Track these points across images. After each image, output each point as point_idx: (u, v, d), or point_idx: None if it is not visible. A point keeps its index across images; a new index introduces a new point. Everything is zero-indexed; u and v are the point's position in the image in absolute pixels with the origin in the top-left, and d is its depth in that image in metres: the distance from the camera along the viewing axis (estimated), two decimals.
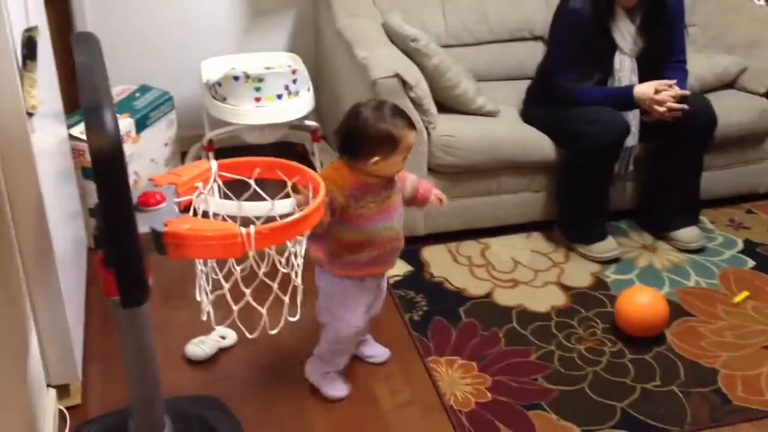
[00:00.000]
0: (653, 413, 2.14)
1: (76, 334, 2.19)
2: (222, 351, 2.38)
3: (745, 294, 2.61)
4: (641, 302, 2.37)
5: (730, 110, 2.93)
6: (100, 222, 1.51)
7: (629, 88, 2.70)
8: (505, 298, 2.61)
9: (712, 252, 2.86)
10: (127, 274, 1.51)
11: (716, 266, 2.78)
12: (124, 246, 1.47)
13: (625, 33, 2.72)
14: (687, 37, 2.87)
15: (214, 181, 1.87)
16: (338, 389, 2.21)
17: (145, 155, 3.02)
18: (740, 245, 2.90)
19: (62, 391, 2.13)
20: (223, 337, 2.41)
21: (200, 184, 1.84)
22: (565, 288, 2.66)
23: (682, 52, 2.82)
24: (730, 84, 3.11)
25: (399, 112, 1.95)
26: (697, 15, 3.29)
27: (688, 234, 2.86)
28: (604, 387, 2.23)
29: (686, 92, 2.67)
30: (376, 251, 2.02)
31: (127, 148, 2.91)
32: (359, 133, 1.92)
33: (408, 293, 2.63)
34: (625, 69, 2.74)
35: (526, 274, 2.74)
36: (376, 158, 1.92)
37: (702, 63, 3.02)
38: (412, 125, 1.95)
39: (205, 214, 1.88)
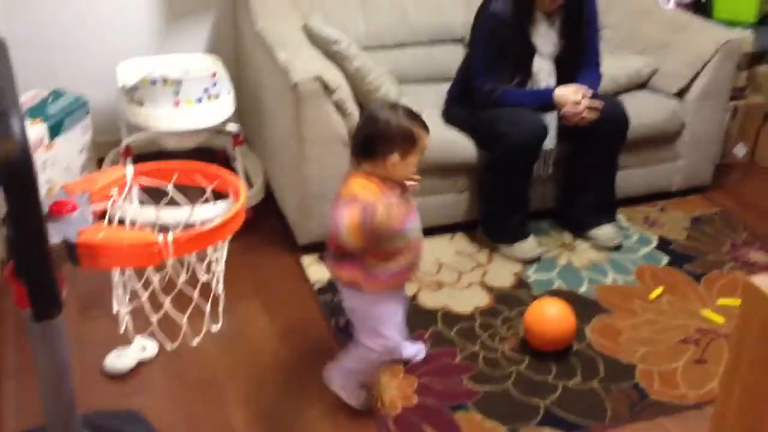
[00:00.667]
0: (575, 410, 2.18)
1: None
2: (143, 363, 2.32)
3: (660, 289, 2.69)
4: (550, 320, 2.36)
5: (643, 111, 3.01)
6: (10, 232, 1.45)
7: (549, 91, 2.75)
8: (430, 299, 2.62)
9: (629, 249, 2.93)
10: (38, 286, 1.45)
11: (633, 263, 2.85)
12: (34, 257, 1.41)
13: (544, 36, 2.76)
14: (600, 40, 2.94)
15: (131, 187, 1.83)
16: (363, 400, 2.17)
17: (60, 162, 2.93)
18: (655, 242, 2.98)
19: None
20: (143, 348, 2.34)
21: (116, 191, 1.79)
22: (489, 288, 2.69)
23: (596, 54, 2.88)
24: (642, 85, 3.19)
25: (414, 114, 1.96)
26: (611, 17, 3.37)
27: (605, 232, 2.93)
28: (528, 385, 2.27)
29: (598, 104, 2.73)
30: (411, 254, 2.01)
31: (40, 156, 2.81)
32: (380, 133, 1.91)
33: (334, 298, 2.60)
34: (543, 71, 2.79)
35: (450, 275, 2.76)
36: (396, 157, 1.91)
37: (615, 64, 3.09)
38: (426, 127, 1.96)
39: (123, 222, 1.83)
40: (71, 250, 1.54)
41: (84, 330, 2.43)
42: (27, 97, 2.97)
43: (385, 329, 2.04)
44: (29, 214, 1.37)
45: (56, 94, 3.00)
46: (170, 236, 1.55)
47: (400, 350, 2.23)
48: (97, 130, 3.18)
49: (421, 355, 2.36)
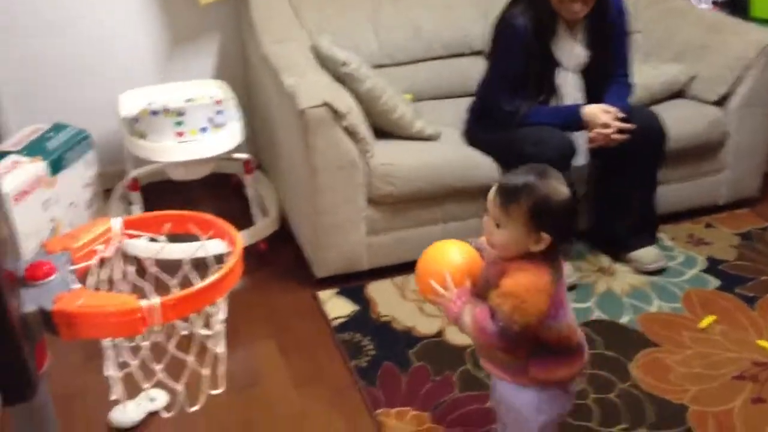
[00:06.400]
0: None
1: None
2: (152, 415, 2.16)
3: (711, 318, 2.47)
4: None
5: (681, 121, 2.81)
6: None
7: (577, 107, 2.57)
8: (457, 336, 2.42)
9: (674, 272, 2.71)
10: (2, 368, 1.28)
11: (679, 288, 2.63)
12: None
13: (568, 48, 2.58)
14: (631, 46, 2.75)
15: (120, 241, 1.66)
16: None
17: (63, 199, 2.80)
18: (702, 263, 2.76)
19: None
20: (153, 399, 2.18)
21: (102, 246, 1.62)
22: None
23: (624, 66, 2.70)
24: (678, 93, 2.98)
25: None
26: (641, 21, 3.17)
27: (646, 254, 2.72)
28: None
29: (629, 126, 2.52)
30: None
31: (42, 194, 2.69)
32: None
33: (354, 336, 2.43)
34: (568, 86, 2.60)
35: None
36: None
37: (648, 73, 2.89)
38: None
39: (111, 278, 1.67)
40: (47, 319, 1.37)
41: (89, 380, 2.28)
42: (26, 133, 2.85)
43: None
44: None
45: (57, 129, 2.88)
46: (156, 301, 1.38)
47: None
48: (103, 162, 3.06)
49: None
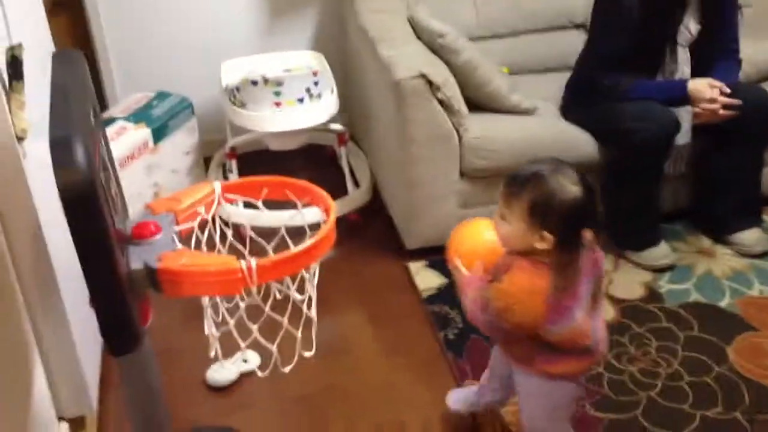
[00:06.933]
0: None
1: (90, 361, 2.08)
2: (245, 375, 2.25)
3: None
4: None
5: None
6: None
7: (682, 82, 2.49)
8: None
9: None
10: (111, 319, 1.36)
11: None
12: (103, 292, 1.31)
13: (680, 23, 2.49)
14: (741, 20, 2.63)
15: (219, 204, 1.72)
16: None
17: (166, 165, 2.90)
18: None
19: (76, 423, 2.01)
20: (245, 360, 2.27)
21: (202, 209, 1.69)
22: (615, 300, 2.45)
23: (734, 41, 2.59)
24: None
25: None
26: None
27: (749, 237, 2.63)
28: (660, 414, 2.02)
29: (736, 102, 2.43)
30: None
31: (146, 160, 2.80)
32: None
33: (443, 309, 2.44)
34: (677, 61, 2.52)
35: None
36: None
37: (756, 47, 2.76)
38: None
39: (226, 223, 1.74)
40: (152, 276, 1.44)
41: (188, 341, 2.36)
42: (131, 101, 2.96)
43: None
44: (96, 244, 1.27)
45: (161, 97, 2.97)
46: (253, 262, 1.43)
47: None
48: (203, 130, 3.14)
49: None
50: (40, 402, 1.81)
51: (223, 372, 2.24)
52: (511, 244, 1.56)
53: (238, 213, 2.03)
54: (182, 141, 2.98)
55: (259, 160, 3.15)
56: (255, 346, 1.65)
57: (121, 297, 1.33)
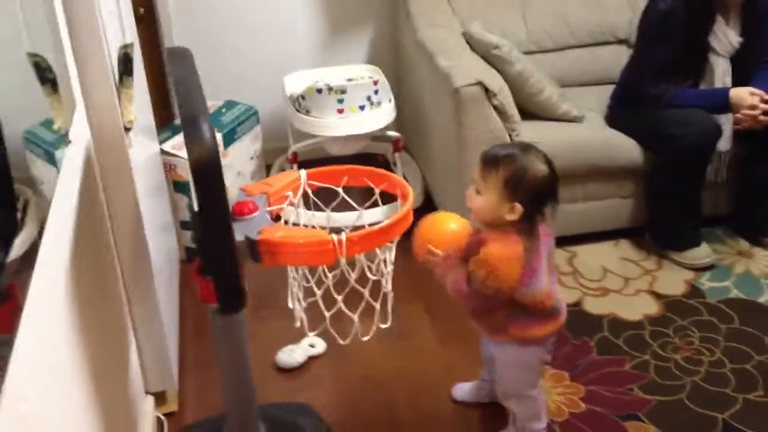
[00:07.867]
0: (758, 425, 2.05)
1: (172, 343, 2.24)
2: (312, 359, 2.41)
3: None
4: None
5: None
6: (199, 231, 1.55)
7: (724, 92, 2.62)
8: (595, 306, 2.55)
9: None
10: (226, 281, 1.53)
11: None
12: (223, 253, 1.49)
13: (720, 33, 2.64)
14: None
15: (304, 189, 1.90)
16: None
17: (233, 169, 3.08)
18: None
19: (159, 398, 2.18)
20: (312, 346, 2.42)
21: (290, 193, 1.86)
22: (658, 296, 2.58)
23: None
24: None
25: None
26: None
27: None
28: (704, 397, 2.16)
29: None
30: None
31: None
32: None
33: None
34: (718, 71, 2.66)
35: (616, 282, 2.67)
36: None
37: None
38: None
39: (296, 224, 1.91)
40: (253, 247, 1.61)
41: (256, 327, 2.53)
42: None
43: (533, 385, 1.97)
44: (219, 212, 1.45)
45: (229, 105, 3.17)
46: (343, 236, 1.60)
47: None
48: (265, 138, 3.33)
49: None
50: (134, 377, 1.99)
51: (293, 354, 2.39)
52: (483, 214, 1.77)
53: (310, 216, 2.16)
54: (248, 146, 3.17)
55: (317, 167, 3.32)
56: (331, 323, 1.81)
57: (236, 264, 1.51)
